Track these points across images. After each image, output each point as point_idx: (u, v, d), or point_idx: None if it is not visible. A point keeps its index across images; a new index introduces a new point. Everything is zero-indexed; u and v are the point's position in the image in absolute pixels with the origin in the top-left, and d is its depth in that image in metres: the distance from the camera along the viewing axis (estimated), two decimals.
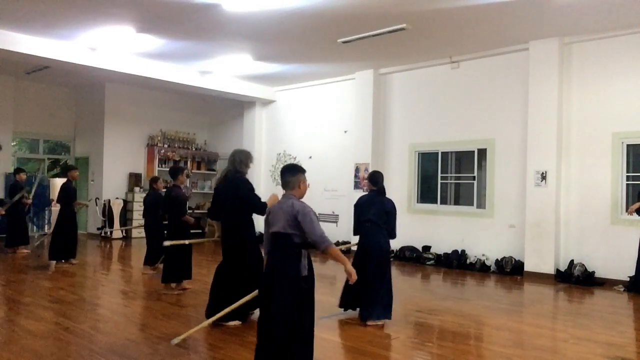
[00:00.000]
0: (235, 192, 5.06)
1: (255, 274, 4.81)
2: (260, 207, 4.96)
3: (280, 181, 3.63)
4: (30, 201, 10.36)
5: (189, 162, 13.84)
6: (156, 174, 13.04)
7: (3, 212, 9.75)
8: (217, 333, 4.75)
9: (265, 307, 3.38)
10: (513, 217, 8.79)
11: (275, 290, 3.32)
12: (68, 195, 8.59)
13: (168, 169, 7.20)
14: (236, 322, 4.93)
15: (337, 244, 11.02)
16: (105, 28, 8.18)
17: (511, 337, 4.97)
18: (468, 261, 9.09)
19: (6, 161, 12.42)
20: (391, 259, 5.77)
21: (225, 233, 5.14)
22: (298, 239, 3.38)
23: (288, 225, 3.36)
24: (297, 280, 3.34)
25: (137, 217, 12.77)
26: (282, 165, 12.54)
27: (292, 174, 3.49)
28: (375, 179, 5.61)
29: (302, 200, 3.49)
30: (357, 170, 10.60)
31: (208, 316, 4.84)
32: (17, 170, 10.20)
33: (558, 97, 8.19)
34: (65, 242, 8.55)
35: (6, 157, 12.50)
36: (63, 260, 8.60)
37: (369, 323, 5.11)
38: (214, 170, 14.40)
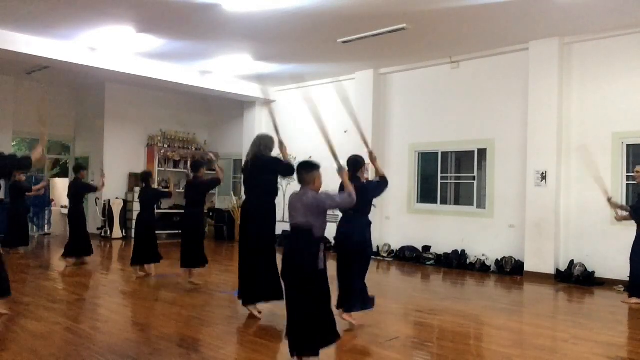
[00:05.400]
0: (263, 169, 5.18)
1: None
2: (289, 167, 5.10)
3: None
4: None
5: (189, 162, 13.83)
6: (156, 174, 13.06)
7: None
8: (217, 333, 4.75)
9: (288, 295, 3.64)
10: (513, 217, 8.79)
11: (294, 281, 3.57)
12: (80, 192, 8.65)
13: (190, 164, 7.32)
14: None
15: None
16: (105, 28, 8.18)
17: (511, 337, 4.97)
18: (468, 261, 9.09)
19: None
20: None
21: (251, 214, 5.16)
22: (318, 232, 3.59)
23: (309, 217, 3.55)
24: (315, 273, 3.56)
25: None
26: None
27: (306, 172, 3.66)
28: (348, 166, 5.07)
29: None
30: None
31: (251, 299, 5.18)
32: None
33: (558, 97, 8.19)
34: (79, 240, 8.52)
35: None
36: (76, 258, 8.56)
37: (347, 316, 4.91)
38: (214, 170, 14.36)
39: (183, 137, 14.03)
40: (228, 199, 13.57)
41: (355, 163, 5.15)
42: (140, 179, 7.98)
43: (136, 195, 12.64)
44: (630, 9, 6.99)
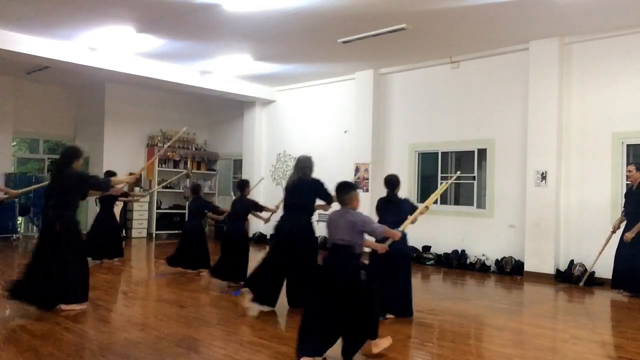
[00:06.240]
0: (308, 190, 5.66)
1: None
2: (329, 196, 5.60)
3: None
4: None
5: (189, 162, 13.84)
6: (156, 174, 13.06)
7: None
8: (217, 333, 4.75)
9: (333, 307, 3.81)
10: (513, 217, 8.79)
11: (341, 292, 3.80)
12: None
13: (237, 182, 7.61)
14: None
15: None
16: (105, 28, 8.18)
17: (511, 337, 4.97)
18: (468, 261, 9.09)
19: (6, 161, 12.42)
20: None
21: (294, 230, 5.59)
22: (359, 248, 3.89)
23: (349, 235, 3.84)
24: (359, 284, 3.85)
25: (137, 217, 12.80)
26: (282, 165, 12.65)
27: (345, 193, 3.99)
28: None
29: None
30: (357, 170, 10.59)
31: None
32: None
33: (558, 97, 8.19)
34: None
35: (6, 157, 12.50)
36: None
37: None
38: (214, 170, 14.38)
39: (183, 137, 14.03)
40: (228, 199, 13.56)
41: (396, 182, 5.81)
42: (191, 191, 8.37)
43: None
44: (630, 9, 6.99)
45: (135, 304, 6.03)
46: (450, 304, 6.26)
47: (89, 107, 13.39)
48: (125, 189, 8.88)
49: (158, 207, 13.40)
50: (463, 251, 9.26)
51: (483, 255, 8.98)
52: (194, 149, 14.13)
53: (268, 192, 12.32)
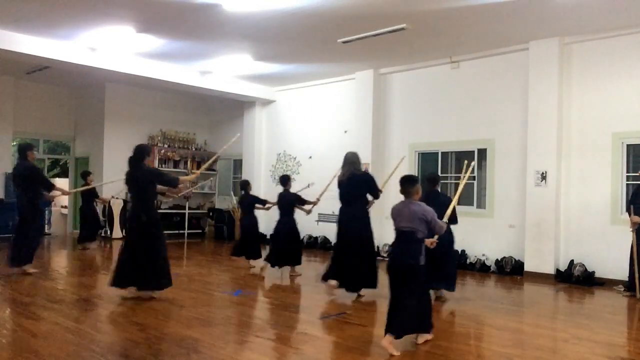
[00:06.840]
0: (360, 184, 6.30)
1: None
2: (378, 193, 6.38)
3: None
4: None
5: (189, 162, 13.84)
6: None
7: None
8: (217, 333, 4.76)
9: (399, 288, 4.31)
10: (513, 217, 8.79)
11: (404, 277, 4.27)
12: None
13: (279, 178, 8.32)
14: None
15: None
16: (105, 28, 8.18)
17: (511, 337, 4.96)
18: (468, 261, 9.09)
19: (6, 161, 12.41)
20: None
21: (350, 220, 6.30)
22: (421, 234, 4.28)
23: (414, 222, 4.24)
24: (419, 268, 4.26)
25: None
26: (282, 165, 12.65)
27: (410, 186, 4.37)
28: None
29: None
30: None
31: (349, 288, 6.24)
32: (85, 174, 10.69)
33: (558, 97, 8.18)
34: None
35: (6, 157, 12.50)
36: None
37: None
38: (214, 170, 14.38)
39: (183, 137, 14.03)
40: (228, 199, 13.57)
41: (438, 179, 6.58)
42: (240, 187, 8.89)
43: None
44: (630, 9, 6.99)
45: (135, 304, 6.02)
46: (450, 304, 6.26)
47: (89, 107, 13.39)
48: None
49: (158, 207, 13.37)
50: (463, 251, 9.25)
51: (483, 255, 8.98)
52: (194, 149, 14.14)
53: (267, 191, 12.31)
